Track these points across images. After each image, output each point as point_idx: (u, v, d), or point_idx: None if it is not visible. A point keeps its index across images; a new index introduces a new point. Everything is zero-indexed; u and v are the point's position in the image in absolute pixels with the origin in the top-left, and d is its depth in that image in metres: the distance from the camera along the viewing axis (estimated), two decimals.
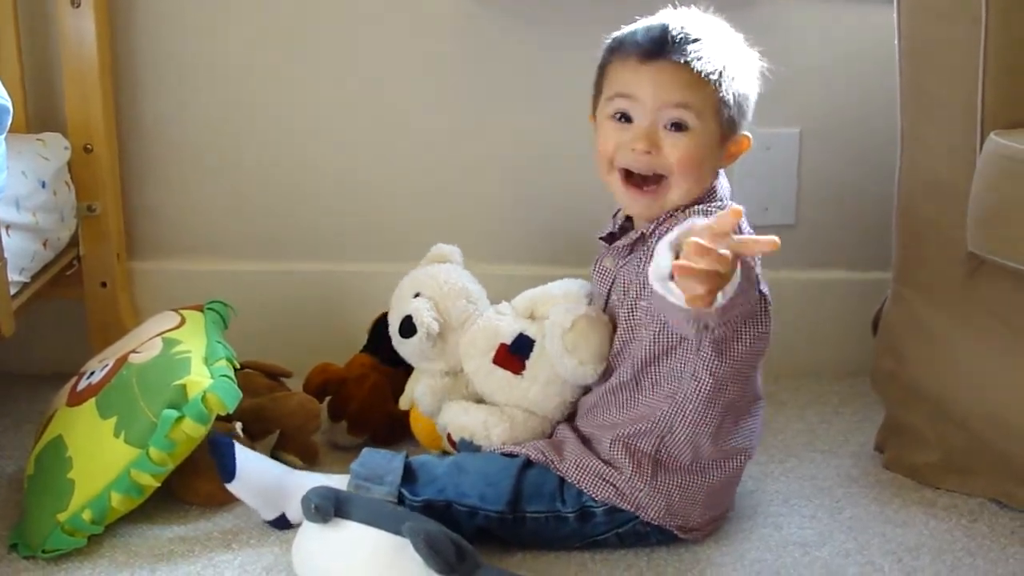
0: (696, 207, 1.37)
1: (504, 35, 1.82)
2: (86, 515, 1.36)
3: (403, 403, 1.63)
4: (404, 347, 1.56)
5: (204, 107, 1.84)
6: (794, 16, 1.81)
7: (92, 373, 1.53)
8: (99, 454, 1.39)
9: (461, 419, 1.49)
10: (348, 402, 1.65)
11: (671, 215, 1.37)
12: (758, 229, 1.84)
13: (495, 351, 1.51)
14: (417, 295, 1.56)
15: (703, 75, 1.32)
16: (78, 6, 1.70)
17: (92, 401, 1.46)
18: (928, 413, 1.55)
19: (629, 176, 1.37)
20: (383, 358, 1.69)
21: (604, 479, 1.38)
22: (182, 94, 1.83)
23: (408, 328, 1.53)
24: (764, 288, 1.39)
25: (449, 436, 1.51)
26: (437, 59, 1.83)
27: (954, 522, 1.48)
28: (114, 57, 1.79)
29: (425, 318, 1.52)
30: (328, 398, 1.67)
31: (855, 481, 1.58)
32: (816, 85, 1.85)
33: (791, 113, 1.85)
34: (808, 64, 1.83)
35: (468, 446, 1.48)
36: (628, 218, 1.46)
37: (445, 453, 1.54)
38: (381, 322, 1.72)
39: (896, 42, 1.53)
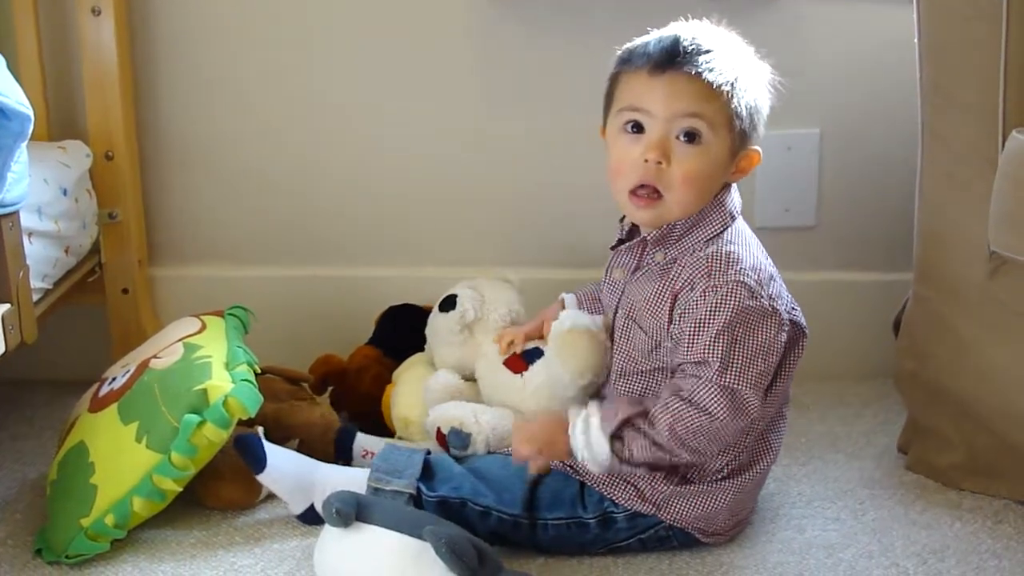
0: (703, 234, 1.36)
1: (520, 41, 1.81)
2: (109, 520, 1.36)
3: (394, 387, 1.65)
4: (436, 321, 1.64)
5: (223, 115, 1.84)
6: (814, 16, 1.81)
7: (114, 379, 1.54)
8: (121, 459, 1.40)
9: (451, 411, 1.51)
10: (349, 393, 1.69)
11: (672, 227, 1.36)
12: (779, 230, 1.85)
13: (508, 354, 1.56)
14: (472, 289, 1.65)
15: (715, 86, 1.31)
16: (99, 14, 1.71)
17: (114, 407, 1.46)
18: (951, 414, 1.54)
19: (635, 188, 1.36)
20: (387, 350, 1.73)
21: (626, 481, 1.37)
22: (202, 102, 1.84)
23: (449, 304, 1.62)
24: (799, 318, 1.38)
25: (439, 433, 1.51)
26: (450, 67, 1.83)
27: (979, 524, 1.47)
28: (134, 65, 1.80)
29: (467, 303, 1.61)
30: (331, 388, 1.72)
31: (878, 483, 1.57)
32: (836, 85, 1.84)
33: (811, 114, 1.84)
34: (828, 64, 1.83)
35: (458, 435, 1.47)
36: (634, 225, 1.44)
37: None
38: (388, 315, 1.77)
39: (916, 41, 1.53)
